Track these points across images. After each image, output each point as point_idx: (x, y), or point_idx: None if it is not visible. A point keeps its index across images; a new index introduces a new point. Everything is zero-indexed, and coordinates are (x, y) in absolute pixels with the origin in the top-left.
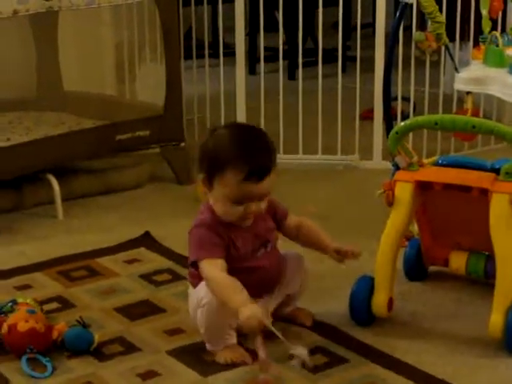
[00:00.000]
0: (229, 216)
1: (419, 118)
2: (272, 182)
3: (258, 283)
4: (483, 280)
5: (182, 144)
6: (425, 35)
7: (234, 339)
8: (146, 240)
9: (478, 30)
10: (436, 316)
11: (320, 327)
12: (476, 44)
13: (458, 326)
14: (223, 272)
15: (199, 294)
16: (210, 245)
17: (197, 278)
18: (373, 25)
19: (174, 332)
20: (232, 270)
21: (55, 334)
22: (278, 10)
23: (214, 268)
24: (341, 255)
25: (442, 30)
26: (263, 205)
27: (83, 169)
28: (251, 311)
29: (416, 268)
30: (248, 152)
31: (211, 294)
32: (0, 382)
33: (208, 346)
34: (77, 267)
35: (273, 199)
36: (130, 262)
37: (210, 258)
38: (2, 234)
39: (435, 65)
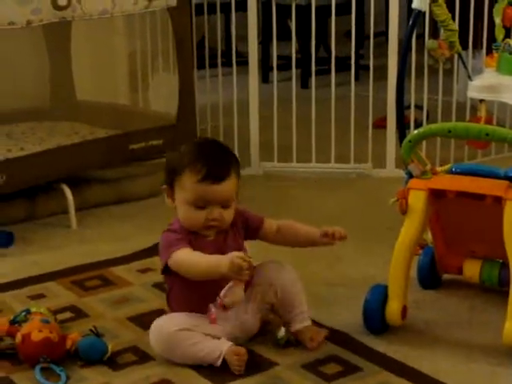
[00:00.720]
0: (191, 222)
1: (432, 126)
2: (232, 188)
3: (210, 296)
4: (497, 288)
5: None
6: (438, 43)
7: (223, 342)
8: None
9: (491, 38)
10: (450, 324)
11: (334, 336)
12: (489, 52)
13: (472, 334)
14: (193, 252)
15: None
16: (177, 240)
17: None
18: (386, 33)
19: None
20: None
21: (69, 344)
22: (290, 18)
23: (181, 254)
24: (328, 237)
25: (455, 38)
26: (227, 214)
27: (96, 178)
28: (230, 256)
29: (430, 276)
30: (205, 156)
31: (189, 276)
32: None
33: (212, 362)
34: (90, 277)
35: (243, 209)
36: (144, 271)
37: (180, 249)
38: (15, 243)
39: (448, 73)
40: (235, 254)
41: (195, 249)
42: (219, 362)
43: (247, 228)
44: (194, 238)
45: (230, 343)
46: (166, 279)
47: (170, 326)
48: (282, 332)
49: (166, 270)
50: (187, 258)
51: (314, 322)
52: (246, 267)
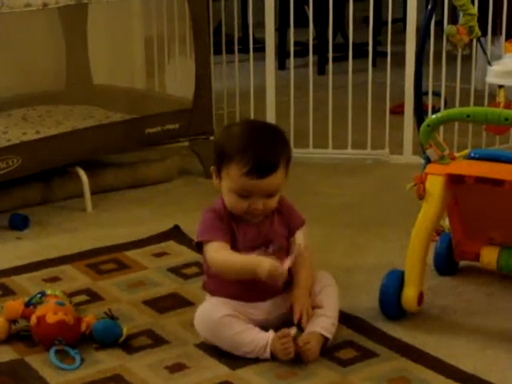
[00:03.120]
0: (234, 209)
1: (451, 111)
2: (279, 180)
3: (250, 283)
4: None
5: (212, 137)
6: (456, 28)
7: (267, 333)
8: (175, 233)
9: (511, 24)
10: (467, 311)
11: (350, 321)
12: (508, 37)
13: (489, 321)
14: (226, 250)
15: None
16: (215, 228)
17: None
18: (404, 19)
19: None
20: None
21: (84, 327)
22: (308, 4)
23: (216, 249)
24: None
25: (474, 23)
26: (272, 203)
27: (112, 162)
28: (268, 263)
29: (446, 263)
30: (253, 148)
31: (221, 275)
32: (29, 374)
33: (258, 353)
34: (105, 260)
35: (291, 207)
36: (159, 255)
37: (214, 241)
38: (31, 226)
39: (466, 60)
40: (272, 262)
41: (237, 231)
42: (267, 353)
43: (287, 226)
44: (235, 221)
45: (274, 333)
46: (203, 260)
47: (216, 312)
48: (293, 330)
49: (199, 246)
50: (219, 256)
51: None
52: (282, 276)
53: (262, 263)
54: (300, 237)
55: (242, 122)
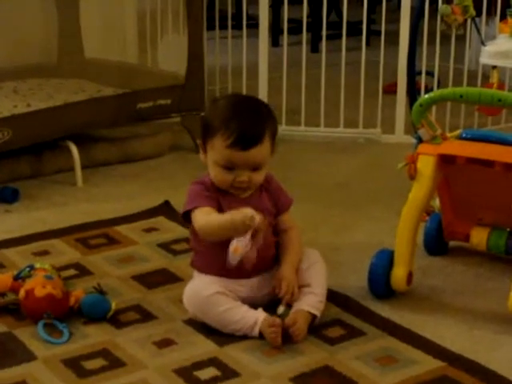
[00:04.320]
0: (220, 182)
1: (444, 91)
2: (263, 153)
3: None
4: (504, 256)
5: (203, 113)
6: (451, 8)
7: (259, 312)
8: (166, 209)
9: (506, 4)
10: (455, 291)
11: (338, 299)
12: (503, 18)
13: (477, 302)
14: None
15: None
16: (201, 197)
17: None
18: None
19: None
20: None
21: (72, 301)
22: None
23: (204, 214)
24: (276, 285)
25: (469, 3)
26: (258, 177)
27: (103, 137)
28: (241, 211)
29: (436, 243)
30: (237, 120)
31: (209, 239)
32: (16, 347)
33: (247, 331)
34: (95, 235)
35: (279, 186)
36: (149, 230)
37: (201, 207)
38: (21, 200)
39: (460, 40)
40: (245, 210)
41: (224, 207)
42: (255, 332)
43: (274, 205)
44: (223, 195)
45: (265, 314)
46: (190, 235)
47: (205, 290)
48: (281, 309)
49: (185, 217)
50: (206, 221)
51: None
52: (257, 222)
53: (234, 215)
54: (288, 218)
55: (227, 96)
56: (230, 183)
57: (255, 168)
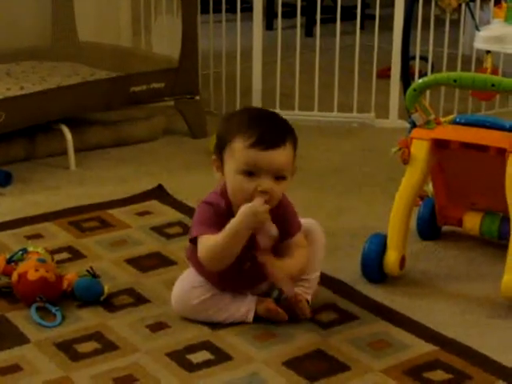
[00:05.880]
0: (240, 193)
1: (438, 75)
2: (287, 159)
3: (243, 281)
4: (496, 241)
5: (197, 97)
6: None
7: (245, 303)
8: (159, 193)
9: None
10: (448, 275)
11: (331, 283)
12: (497, 3)
13: (470, 286)
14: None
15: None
16: (207, 224)
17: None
18: None
19: None
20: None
21: (65, 284)
22: None
23: (207, 240)
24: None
25: None
26: (278, 189)
27: (97, 120)
28: (243, 209)
29: (429, 227)
30: (258, 124)
31: (215, 265)
32: (9, 330)
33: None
34: (88, 218)
35: (295, 212)
36: (142, 214)
37: (207, 235)
38: (14, 183)
39: (455, 24)
40: (248, 205)
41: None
42: (250, 318)
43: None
44: (230, 215)
45: (255, 297)
46: (189, 251)
47: (192, 300)
48: (275, 292)
49: (193, 241)
50: (210, 245)
51: None
52: (263, 215)
53: (241, 212)
54: (300, 238)
55: (240, 110)
56: (250, 193)
57: (278, 176)
